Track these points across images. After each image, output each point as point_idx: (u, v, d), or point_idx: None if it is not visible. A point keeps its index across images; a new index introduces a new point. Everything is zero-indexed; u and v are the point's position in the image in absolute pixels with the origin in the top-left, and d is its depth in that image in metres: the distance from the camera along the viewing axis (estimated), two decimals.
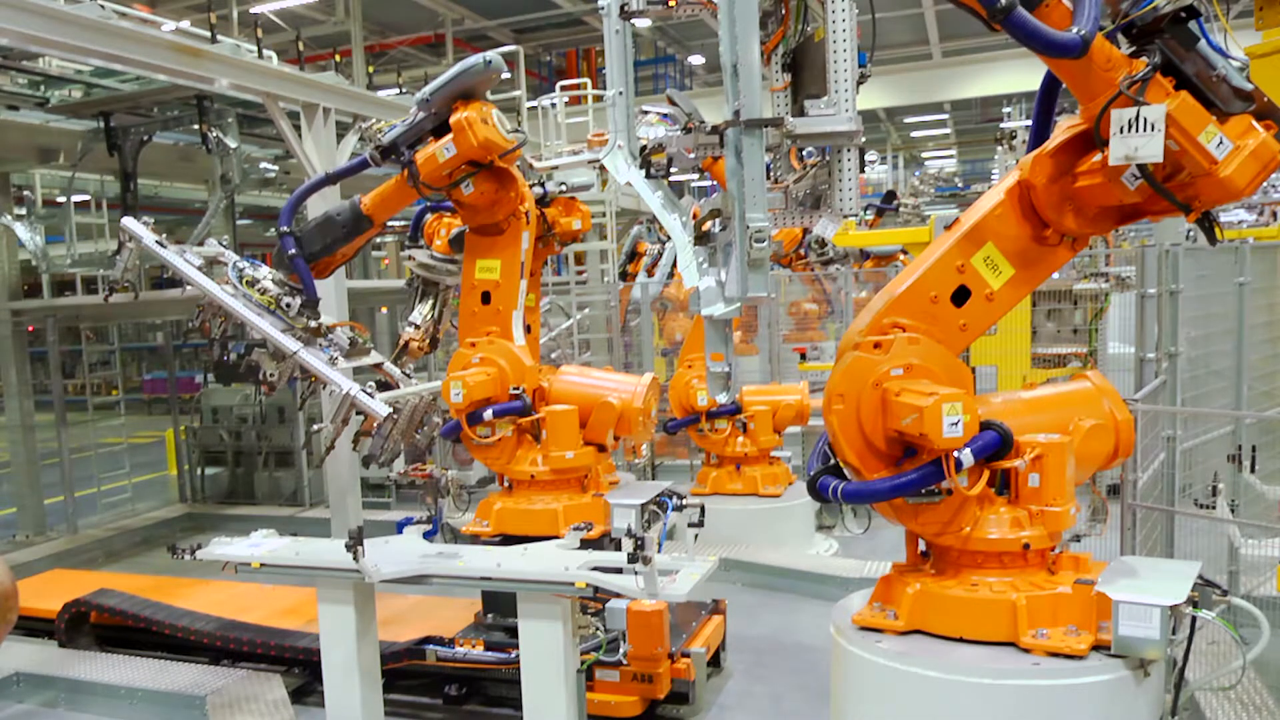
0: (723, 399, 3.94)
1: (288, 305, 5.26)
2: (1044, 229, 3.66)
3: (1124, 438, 3.76)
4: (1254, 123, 3.23)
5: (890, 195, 15.75)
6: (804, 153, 4.09)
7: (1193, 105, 3.21)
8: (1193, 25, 3.22)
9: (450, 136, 5.04)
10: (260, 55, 9.16)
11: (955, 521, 3.62)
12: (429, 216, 6.51)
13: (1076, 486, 3.67)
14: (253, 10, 16.31)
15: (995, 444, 3.51)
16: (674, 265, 11.95)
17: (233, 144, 9.45)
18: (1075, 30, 3.19)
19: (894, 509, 3.70)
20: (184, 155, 10.64)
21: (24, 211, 11.30)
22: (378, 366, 5.97)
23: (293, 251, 5.36)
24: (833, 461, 3.84)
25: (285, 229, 5.39)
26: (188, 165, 11.04)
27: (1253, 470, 6.58)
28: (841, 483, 3.72)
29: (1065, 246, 3.74)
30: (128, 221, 5.52)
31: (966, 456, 3.40)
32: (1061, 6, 3.31)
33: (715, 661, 5.93)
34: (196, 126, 9.49)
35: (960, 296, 3.73)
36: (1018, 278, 3.72)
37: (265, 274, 5.34)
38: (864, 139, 3.82)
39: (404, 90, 12.69)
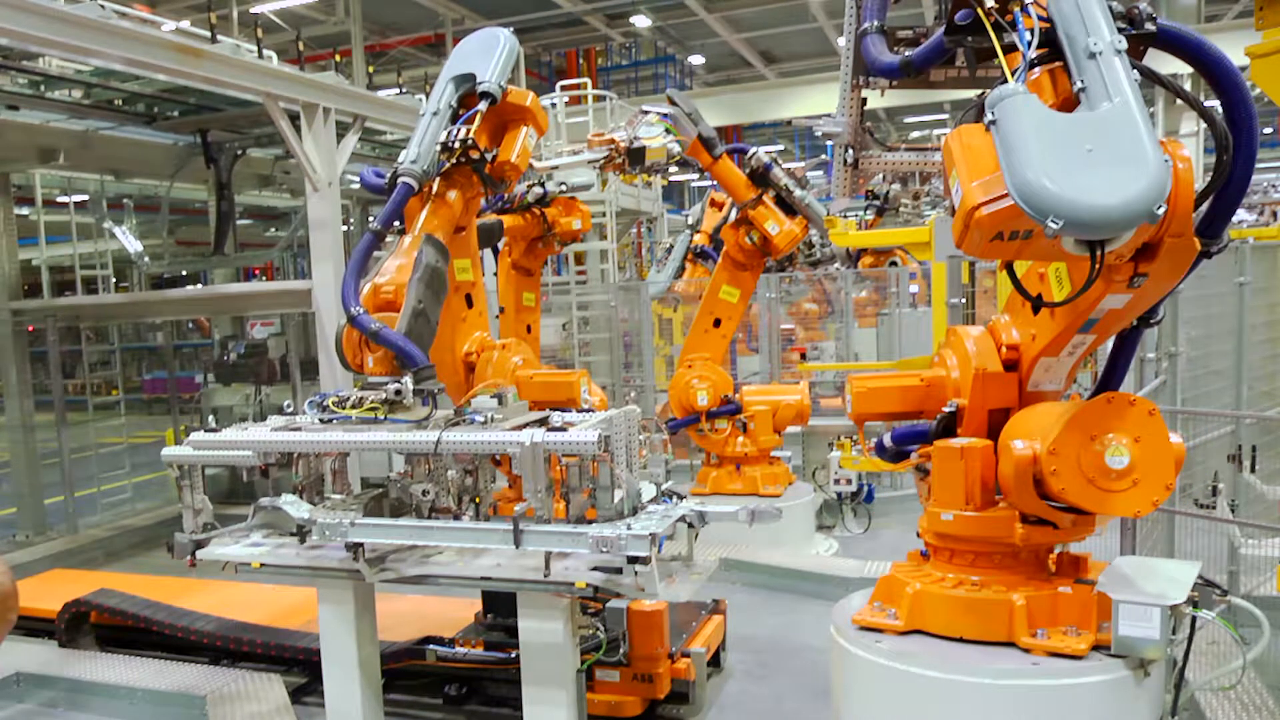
0: None
1: (398, 392, 4.15)
2: None
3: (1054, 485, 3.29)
4: None
5: (870, 194, 15.59)
6: None
7: None
8: None
9: (526, 122, 5.02)
10: (260, 55, 9.16)
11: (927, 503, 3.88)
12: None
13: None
14: (253, 10, 16.33)
15: (913, 436, 3.87)
16: (684, 260, 11.98)
17: None
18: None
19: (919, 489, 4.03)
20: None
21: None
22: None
23: (374, 327, 4.29)
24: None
25: (356, 309, 4.32)
26: (189, 167, 11.05)
27: (1253, 470, 6.57)
28: None
29: None
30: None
31: (886, 439, 3.96)
32: None
33: (715, 661, 5.93)
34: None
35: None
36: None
37: (342, 390, 4.45)
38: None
39: (404, 90, 12.68)
